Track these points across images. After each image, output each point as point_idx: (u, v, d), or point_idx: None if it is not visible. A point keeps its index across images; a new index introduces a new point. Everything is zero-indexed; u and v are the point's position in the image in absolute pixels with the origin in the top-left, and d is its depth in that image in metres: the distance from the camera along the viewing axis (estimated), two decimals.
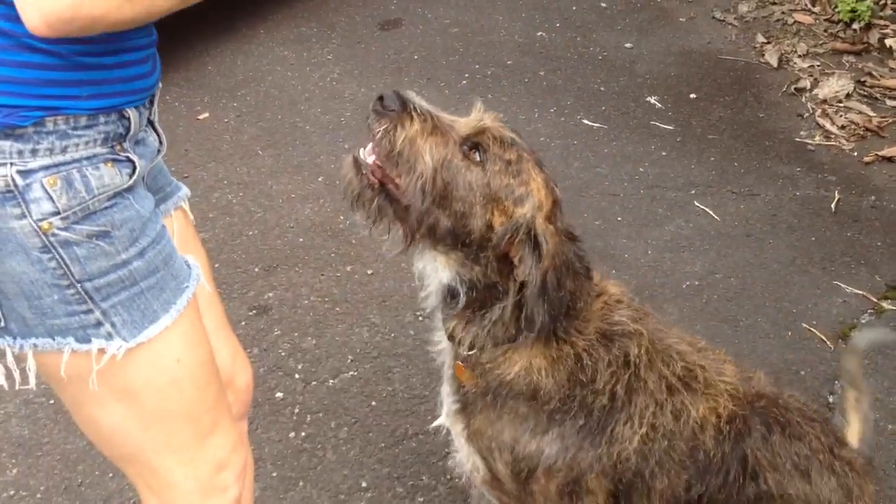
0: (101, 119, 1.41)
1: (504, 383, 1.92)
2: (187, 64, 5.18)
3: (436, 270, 1.92)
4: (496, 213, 1.80)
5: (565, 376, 1.90)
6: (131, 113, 1.47)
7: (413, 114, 1.79)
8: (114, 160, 1.44)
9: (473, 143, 1.81)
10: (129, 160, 1.47)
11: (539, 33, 5.69)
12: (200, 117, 4.71)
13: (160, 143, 1.66)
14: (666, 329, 2.08)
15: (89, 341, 1.45)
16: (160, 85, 1.62)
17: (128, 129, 1.47)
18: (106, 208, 1.41)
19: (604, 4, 6.09)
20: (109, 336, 1.46)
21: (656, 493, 1.97)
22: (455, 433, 2.12)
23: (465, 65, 5.30)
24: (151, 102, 1.59)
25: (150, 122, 1.61)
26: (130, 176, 1.46)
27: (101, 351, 1.46)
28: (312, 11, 5.84)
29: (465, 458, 2.12)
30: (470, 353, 1.94)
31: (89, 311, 1.44)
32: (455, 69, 5.24)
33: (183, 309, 1.55)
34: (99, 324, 1.45)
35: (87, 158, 1.39)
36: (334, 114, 4.77)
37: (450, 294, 1.93)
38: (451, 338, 1.97)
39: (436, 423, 2.20)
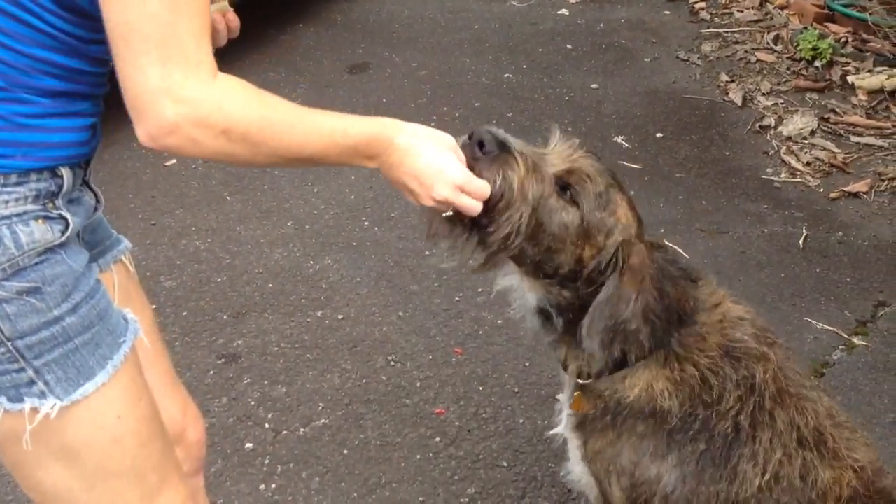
0: (33, 177, 1.38)
1: (624, 404, 1.89)
2: None
3: (522, 292, 1.92)
4: (587, 247, 1.80)
5: (688, 396, 1.85)
6: (64, 171, 1.44)
7: (517, 156, 1.74)
8: (45, 217, 1.41)
9: (566, 184, 1.79)
10: (62, 217, 1.44)
11: (506, 75, 5.73)
12: (168, 164, 4.67)
13: (97, 201, 1.64)
14: (804, 378, 1.98)
15: (22, 400, 1.41)
16: (97, 149, 1.60)
17: (60, 188, 1.44)
18: (36, 264, 1.38)
19: (569, 46, 6.15)
20: (43, 395, 1.42)
21: None
22: (571, 447, 2.10)
23: (433, 107, 5.31)
24: (87, 163, 1.57)
25: (86, 182, 1.59)
26: (63, 233, 1.43)
27: (35, 410, 1.42)
28: (280, 57, 5.85)
29: (580, 474, 2.10)
30: (584, 381, 1.92)
31: (21, 370, 1.39)
32: (423, 112, 5.25)
33: (120, 364, 1.50)
34: (32, 382, 1.41)
35: (18, 215, 1.37)
36: None
37: (544, 316, 1.92)
38: (564, 367, 1.96)
39: (553, 432, 2.19)
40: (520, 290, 1.93)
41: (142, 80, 1.29)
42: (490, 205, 1.72)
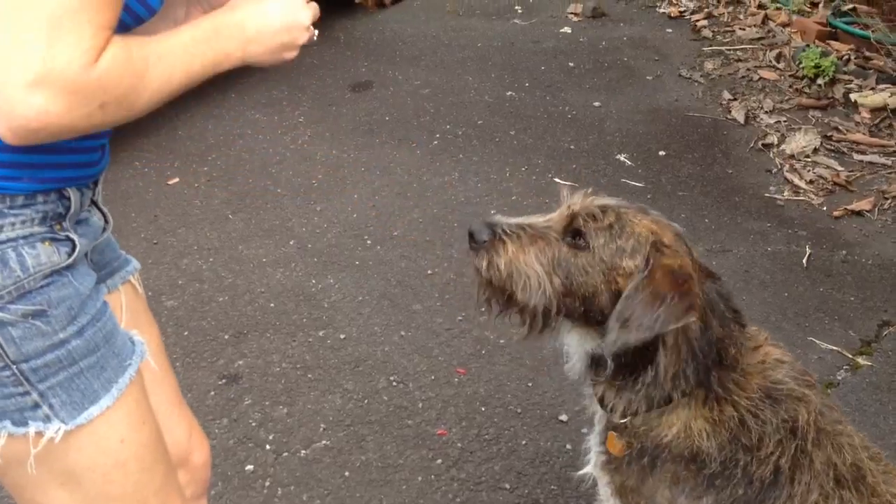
0: (40, 198, 1.37)
1: (661, 445, 1.87)
2: (157, 129, 5.16)
3: (580, 343, 1.91)
4: (618, 278, 1.79)
5: (728, 439, 1.83)
6: (72, 193, 1.43)
7: (504, 237, 1.82)
8: (52, 239, 1.39)
9: (572, 232, 1.82)
10: (69, 239, 1.42)
11: (509, 93, 5.74)
12: (170, 182, 4.68)
13: (105, 221, 1.63)
14: (839, 414, 1.96)
15: (26, 424, 1.39)
16: (105, 170, 1.59)
17: (68, 209, 1.43)
18: (42, 287, 1.36)
19: (572, 64, 6.16)
20: (47, 419, 1.40)
21: None
22: (601, 484, 2.07)
23: (436, 125, 5.32)
24: (95, 184, 1.55)
25: (94, 203, 1.58)
26: (69, 255, 1.41)
27: (39, 434, 1.40)
28: (283, 74, 5.86)
29: None
30: (623, 420, 1.90)
31: (26, 394, 1.38)
32: (426, 129, 5.27)
33: (125, 388, 1.49)
34: (36, 406, 1.39)
35: (24, 237, 1.35)
36: (305, 176, 4.76)
37: (594, 362, 1.90)
38: (601, 402, 1.94)
39: (581, 472, 2.16)
40: (577, 341, 1.93)
41: (18, 60, 1.14)
42: (494, 291, 1.83)
